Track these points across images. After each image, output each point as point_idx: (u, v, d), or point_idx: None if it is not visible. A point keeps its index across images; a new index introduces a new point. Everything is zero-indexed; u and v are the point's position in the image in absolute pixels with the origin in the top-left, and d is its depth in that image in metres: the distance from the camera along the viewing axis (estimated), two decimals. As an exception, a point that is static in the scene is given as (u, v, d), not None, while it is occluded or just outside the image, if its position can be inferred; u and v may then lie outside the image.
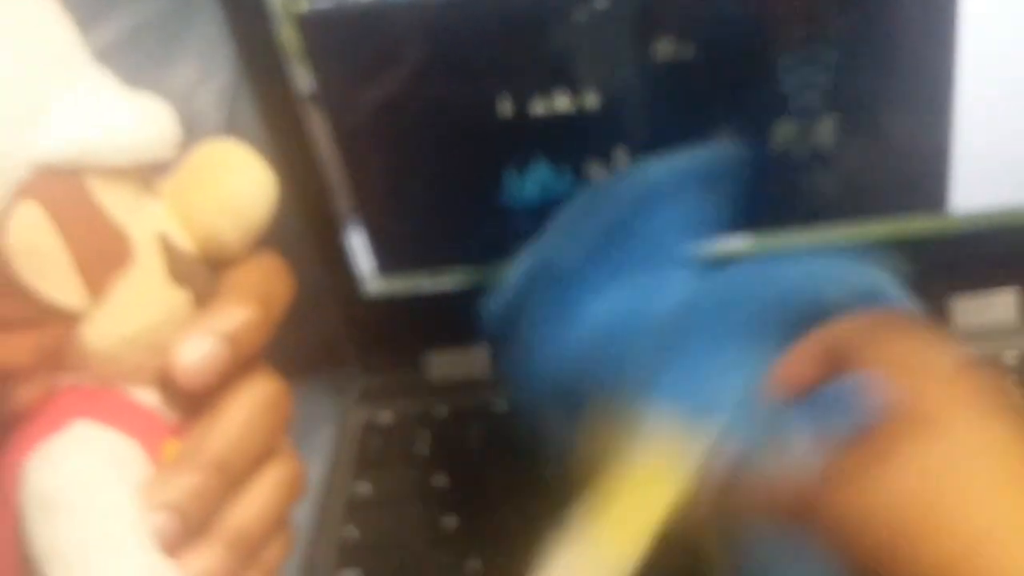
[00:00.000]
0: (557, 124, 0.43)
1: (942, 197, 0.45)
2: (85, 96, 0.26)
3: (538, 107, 0.42)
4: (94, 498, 0.26)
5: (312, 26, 0.41)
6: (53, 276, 0.26)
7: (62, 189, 0.26)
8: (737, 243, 0.46)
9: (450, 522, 0.44)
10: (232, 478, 0.28)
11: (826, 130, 0.43)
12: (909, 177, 0.44)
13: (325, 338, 0.51)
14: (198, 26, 0.59)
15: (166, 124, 0.28)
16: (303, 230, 0.47)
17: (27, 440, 0.27)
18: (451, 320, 0.50)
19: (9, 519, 0.26)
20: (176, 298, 0.29)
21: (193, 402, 0.29)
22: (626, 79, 0.42)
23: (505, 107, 0.42)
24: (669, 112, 0.42)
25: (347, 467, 0.47)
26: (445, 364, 0.51)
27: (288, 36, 0.41)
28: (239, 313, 0.29)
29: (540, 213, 0.45)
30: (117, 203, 0.27)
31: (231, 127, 0.57)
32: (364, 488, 0.46)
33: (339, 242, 0.47)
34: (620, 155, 0.43)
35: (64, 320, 0.27)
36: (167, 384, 0.29)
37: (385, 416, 0.49)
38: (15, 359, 0.26)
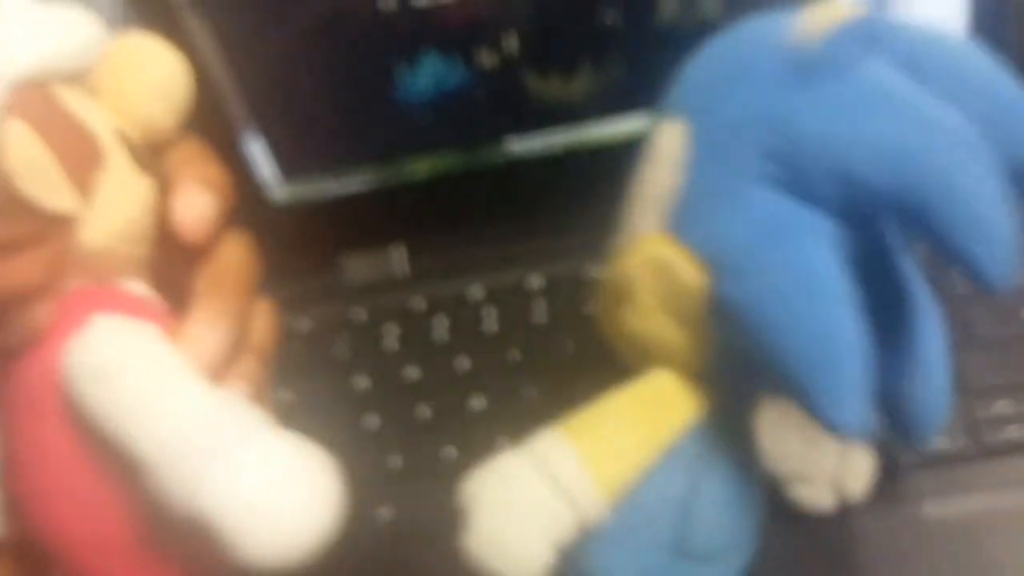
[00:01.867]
0: (443, 13, 0.42)
1: None
2: (26, 13, 0.27)
3: (421, -2, 0.42)
4: (141, 357, 0.28)
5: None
6: (49, 186, 0.27)
7: (37, 102, 0.27)
8: (632, 125, 0.46)
9: (372, 422, 0.45)
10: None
11: (712, 2, 0.42)
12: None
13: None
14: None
15: (95, 27, 0.29)
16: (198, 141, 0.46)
17: (52, 346, 0.28)
18: (363, 222, 0.50)
19: (50, 425, 0.28)
20: (146, 186, 0.30)
21: (175, 288, 0.31)
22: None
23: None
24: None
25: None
26: (360, 267, 0.50)
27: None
28: (212, 171, 0.32)
29: (434, 105, 0.45)
30: (79, 107, 0.28)
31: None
32: (286, 395, 0.46)
33: (238, 151, 0.46)
34: (509, 39, 0.43)
35: (64, 228, 0.28)
36: (156, 267, 0.31)
37: (303, 323, 0.49)
38: (30, 278, 0.27)
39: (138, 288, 0.30)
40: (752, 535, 0.31)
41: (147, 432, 0.26)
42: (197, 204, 0.30)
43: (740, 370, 0.29)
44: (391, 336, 0.48)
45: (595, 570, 0.30)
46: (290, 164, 0.47)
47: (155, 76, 0.31)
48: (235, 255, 0.33)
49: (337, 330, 0.48)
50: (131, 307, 0.29)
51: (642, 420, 0.30)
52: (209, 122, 0.44)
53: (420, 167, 0.48)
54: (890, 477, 0.39)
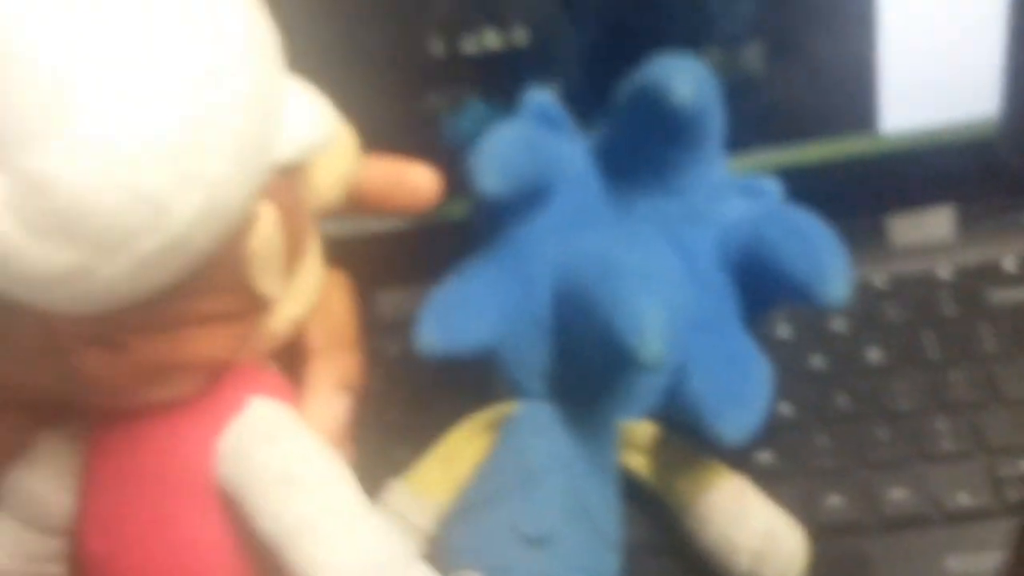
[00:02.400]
0: (488, 61, 0.43)
1: (872, 117, 0.45)
2: (296, 96, 0.28)
3: (469, 45, 0.43)
4: (314, 467, 0.28)
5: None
6: (271, 270, 0.27)
7: (286, 189, 0.27)
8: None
9: (404, 454, 0.46)
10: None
11: (753, 55, 0.43)
12: (839, 99, 0.45)
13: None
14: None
15: (331, 113, 0.30)
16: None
17: (208, 422, 0.28)
18: (398, 259, 0.50)
19: (187, 501, 0.28)
20: (323, 276, 0.31)
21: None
22: (553, 12, 0.42)
23: (437, 46, 0.43)
24: (596, 43, 0.43)
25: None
26: (394, 303, 0.51)
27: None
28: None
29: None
30: (305, 195, 0.29)
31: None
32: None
33: None
34: (553, 88, 0.44)
35: (263, 310, 0.28)
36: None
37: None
38: (220, 352, 0.27)
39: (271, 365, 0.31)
40: (600, 532, 0.35)
41: (310, 553, 0.26)
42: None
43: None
44: (425, 371, 0.48)
45: (447, 546, 0.35)
46: None
47: (344, 166, 0.33)
48: (343, 306, 0.34)
49: (371, 366, 0.49)
50: (276, 388, 0.30)
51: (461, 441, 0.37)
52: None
53: (457, 208, 0.48)
54: (912, 532, 0.40)
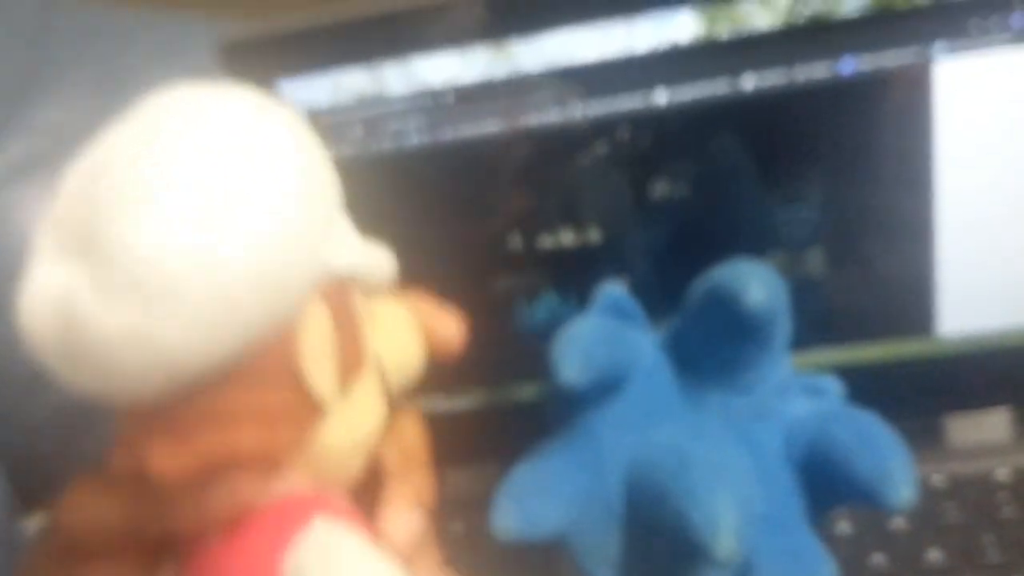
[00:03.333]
0: (563, 257, 0.46)
1: (929, 322, 0.47)
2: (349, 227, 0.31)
3: (545, 242, 0.46)
4: None
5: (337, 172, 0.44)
6: (323, 370, 0.29)
7: (340, 297, 0.30)
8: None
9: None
10: None
11: (815, 260, 0.45)
12: (896, 303, 0.47)
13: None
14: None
15: (391, 267, 0.33)
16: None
17: (271, 541, 0.29)
18: (467, 439, 0.52)
19: None
20: (382, 412, 0.32)
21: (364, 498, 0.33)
22: (625, 216, 0.45)
23: (515, 242, 0.46)
24: (665, 246, 0.45)
25: None
26: (460, 482, 0.52)
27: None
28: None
29: (549, 337, 0.48)
30: (361, 318, 0.31)
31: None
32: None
33: None
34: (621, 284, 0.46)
35: (317, 416, 0.30)
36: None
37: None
38: (273, 449, 0.29)
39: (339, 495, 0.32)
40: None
41: None
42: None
43: None
44: (490, 551, 0.49)
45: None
46: None
47: (417, 351, 0.35)
48: (415, 432, 0.35)
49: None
50: (340, 509, 0.31)
51: None
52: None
53: (527, 391, 0.51)
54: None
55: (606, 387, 0.37)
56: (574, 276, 0.46)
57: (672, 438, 0.36)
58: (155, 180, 0.25)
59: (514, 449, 0.52)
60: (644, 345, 0.39)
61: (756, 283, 0.35)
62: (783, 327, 0.37)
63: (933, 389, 0.48)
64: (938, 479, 0.47)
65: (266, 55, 0.42)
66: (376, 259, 0.32)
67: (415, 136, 0.44)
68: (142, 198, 0.25)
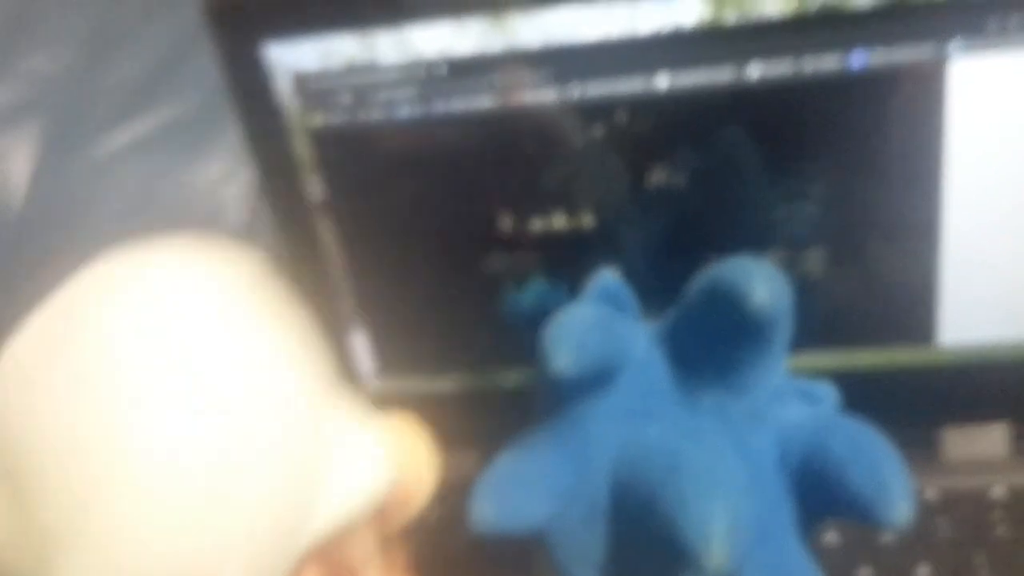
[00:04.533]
0: (554, 242, 0.44)
1: (930, 330, 0.45)
2: (344, 452, 0.29)
3: (536, 225, 0.44)
4: None
5: (325, 140, 0.43)
6: None
7: (327, 552, 0.28)
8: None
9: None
10: None
11: (815, 260, 0.44)
12: (897, 309, 0.45)
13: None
14: (226, 125, 0.61)
15: (387, 457, 0.31)
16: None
17: None
18: (448, 424, 0.51)
19: None
20: None
21: None
22: (620, 203, 0.44)
23: (505, 223, 0.44)
24: (660, 235, 0.44)
25: None
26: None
27: (302, 148, 0.43)
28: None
29: (535, 324, 0.47)
30: (351, 543, 0.30)
31: (252, 224, 0.59)
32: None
33: (342, 343, 0.49)
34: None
35: None
36: None
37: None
38: None
39: None
40: None
41: None
42: None
43: None
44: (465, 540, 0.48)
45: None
46: (388, 361, 0.50)
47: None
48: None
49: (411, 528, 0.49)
50: None
51: None
52: (320, 310, 0.47)
53: (513, 377, 0.49)
54: None
55: (598, 378, 0.36)
56: (565, 261, 0.45)
57: (664, 438, 0.34)
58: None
59: (497, 437, 0.51)
60: (638, 337, 0.38)
61: (761, 282, 0.33)
62: (785, 329, 0.35)
63: (931, 399, 0.47)
64: (931, 493, 0.46)
65: (254, 15, 0.41)
66: (373, 474, 0.30)
67: (406, 108, 0.42)
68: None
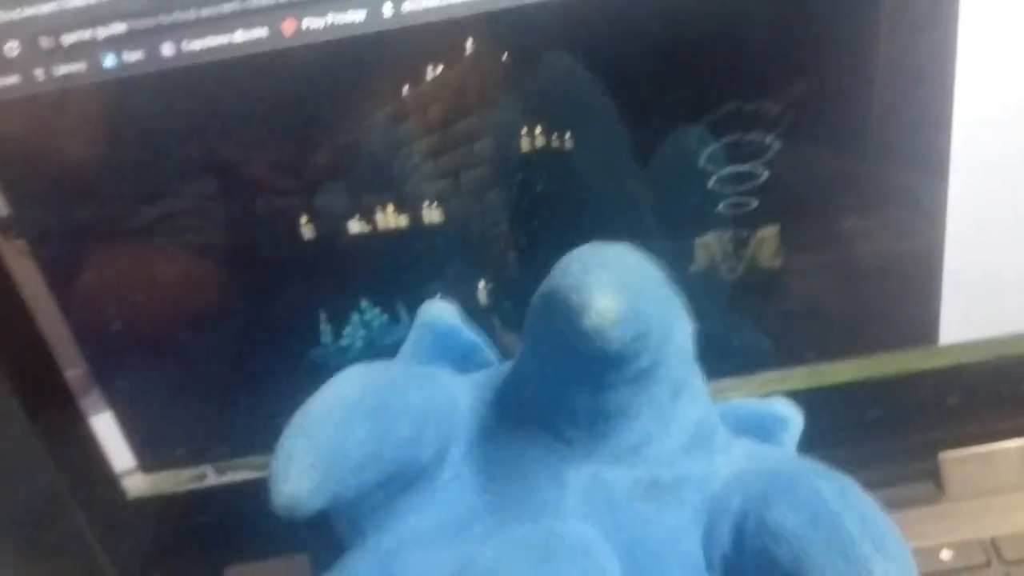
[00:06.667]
0: (374, 250, 0.31)
1: (932, 332, 0.35)
2: None
3: (349, 229, 0.30)
4: None
5: None
6: None
7: None
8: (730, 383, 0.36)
9: None
10: None
11: (765, 244, 0.32)
12: (897, 312, 0.35)
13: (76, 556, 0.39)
14: None
15: None
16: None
17: None
18: (249, 525, 0.36)
19: None
20: None
21: None
22: (461, 181, 0.31)
23: (302, 231, 0.30)
24: (522, 228, 0.31)
25: None
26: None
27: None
28: None
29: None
30: None
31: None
32: None
33: (80, 432, 0.35)
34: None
35: None
36: None
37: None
38: None
39: None
40: None
41: None
42: None
43: None
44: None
45: None
46: (150, 449, 0.36)
47: None
48: None
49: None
50: None
51: None
52: (38, 389, 0.33)
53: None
54: None
55: (385, 492, 0.25)
56: (390, 277, 0.32)
57: (496, 563, 0.23)
58: None
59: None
60: (456, 400, 0.27)
61: (601, 285, 0.21)
62: (677, 350, 0.24)
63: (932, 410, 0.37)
64: (947, 556, 0.35)
65: None
66: None
67: (109, 58, 0.27)
68: None
